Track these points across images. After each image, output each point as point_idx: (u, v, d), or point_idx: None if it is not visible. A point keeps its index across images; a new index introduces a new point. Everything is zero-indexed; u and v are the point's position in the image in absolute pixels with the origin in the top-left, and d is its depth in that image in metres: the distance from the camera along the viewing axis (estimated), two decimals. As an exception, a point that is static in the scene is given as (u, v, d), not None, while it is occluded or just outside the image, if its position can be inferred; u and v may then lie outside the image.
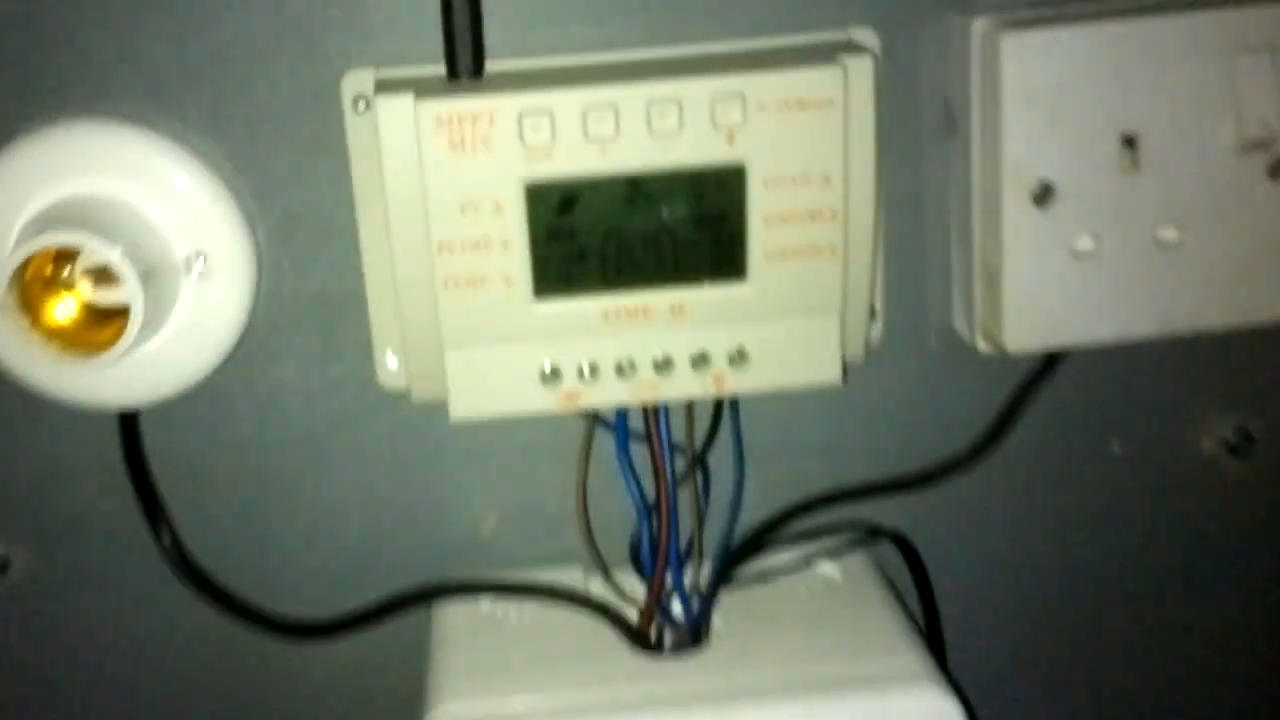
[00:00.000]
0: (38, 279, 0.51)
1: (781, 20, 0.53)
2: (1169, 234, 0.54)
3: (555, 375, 0.52)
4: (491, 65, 0.51)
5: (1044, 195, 0.53)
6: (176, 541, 0.56)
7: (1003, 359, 0.57)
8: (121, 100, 0.52)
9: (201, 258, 0.52)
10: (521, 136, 0.48)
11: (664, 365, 0.52)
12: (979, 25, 0.53)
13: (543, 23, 0.52)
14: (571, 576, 0.59)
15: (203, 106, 0.52)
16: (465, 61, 0.50)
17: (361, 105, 0.52)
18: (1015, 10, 0.53)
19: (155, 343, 0.53)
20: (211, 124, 0.52)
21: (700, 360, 0.52)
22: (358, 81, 0.52)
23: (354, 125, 0.52)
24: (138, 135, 0.52)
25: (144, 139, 0.52)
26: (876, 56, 0.51)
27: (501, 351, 0.51)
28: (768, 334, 0.52)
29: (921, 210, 0.57)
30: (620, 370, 0.52)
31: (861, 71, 0.50)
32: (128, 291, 0.49)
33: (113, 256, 0.48)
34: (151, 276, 0.50)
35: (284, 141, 0.53)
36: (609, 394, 0.52)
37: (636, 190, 0.50)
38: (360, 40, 0.52)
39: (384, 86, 0.50)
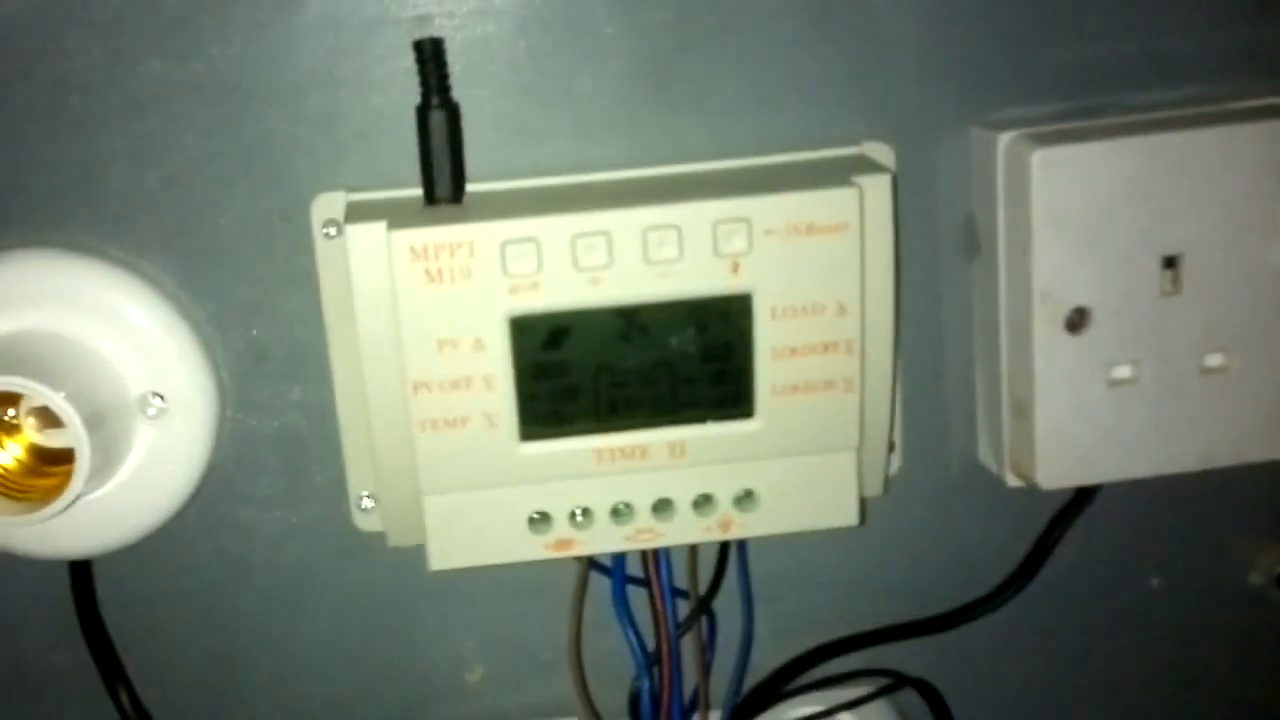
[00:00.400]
0: (-22, 421, 0.46)
1: (789, 135, 0.49)
2: (1213, 360, 0.50)
3: (544, 521, 0.47)
4: (473, 188, 0.47)
5: (1078, 321, 0.49)
6: (135, 701, 0.51)
7: (1030, 492, 0.53)
8: (72, 227, 0.48)
9: (158, 397, 0.48)
10: (505, 267, 0.44)
11: (663, 508, 0.48)
12: (1005, 139, 0.48)
13: (528, 140, 0.48)
14: (565, 730, 0.54)
15: (160, 233, 0.48)
16: (444, 186, 0.46)
17: (332, 231, 0.48)
18: (1039, 124, 0.49)
19: (109, 487, 0.48)
20: (169, 252, 0.48)
21: (703, 503, 0.48)
22: (328, 205, 0.48)
23: (324, 252, 0.48)
24: (89, 265, 0.47)
25: (95, 269, 0.47)
26: (893, 174, 0.47)
27: (485, 497, 0.47)
28: (778, 474, 0.48)
29: (941, 335, 0.52)
30: (615, 514, 0.48)
31: (878, 191, 0.46)
32: (72, 436, 0.44)
33: (55, 400, 0.44)
34: (102, 419, 0.46)
35: (249, 270, 0.49)
36: (603, 540, 0.48)
37: (632, 323, 0.45)
38: (331, 162, 0.48)
39: (356, 212, 0.46)
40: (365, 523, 0.51)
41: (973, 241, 0.51)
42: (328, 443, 0.50)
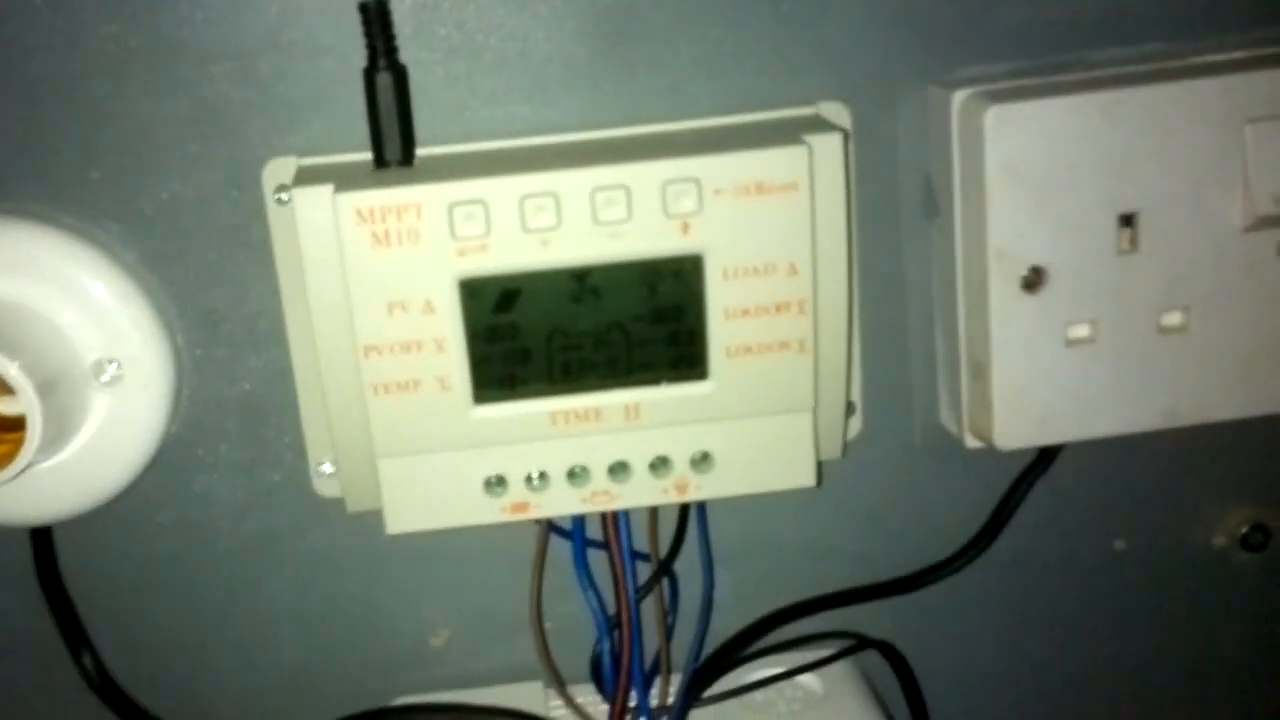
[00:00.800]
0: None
1: (743, 97, 0.49)
2: (1172, 319, 0.50)
3: (500, 484, 0.47)
4: (423, 151, 0.47)
5: (1034, 280, 0.48)
6: (99, 665, 0.52)
7: (991, 454, 0.53)
8: (22, 194, 0.47)
9: (113, 364, 0.48)
10: (453, 229, 0.44)
11: (619, 471, 0.48)
12: (960, 97, 0.48)
13: (479, 103, 0.48)
14: (529, 693, 0.54)
15: (112, 199, 0.48)
16: (393, 149, 0.46)
17: (285, 196, 0.47)
18: (999, 81, 0.48)
19: (66, 454, 0.48)
20: (121, 218, 0.48)
21: (660, 465, 0.48)
22: (280, 171, 0.48)
23: (277, 217, 0.48)
24: (40, 231, 0.47)
25: (46, 235, 0.47)
26: (848, 133, 0.46)
27: (440, 460, 0.47)
28: (733, 436, 0.48)
29: (903, 296, 0.52)
30: (572, 477, 0.48)
31: (830, 150, 0.45)
32: (24, 403, 0.44)
33: (8, 369, 0.44)
34: (54, 385, 0.46)
35: (200, 235, 0.49)
36: (560, 503, 0.48)
37: (583, 284, 0.45)
38: (283, 127, 0.47)
39: (305, 176, 0.46)
40: (325, 488, 0.51)
41: (932, 202, 0.51)
42: (286, 409, 0.50)
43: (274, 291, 0.49)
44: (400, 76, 0.45)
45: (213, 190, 0.48)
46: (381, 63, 0.45)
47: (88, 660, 0.51)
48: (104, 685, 0.52)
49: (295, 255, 0.46)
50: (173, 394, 0.49)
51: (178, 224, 0.48)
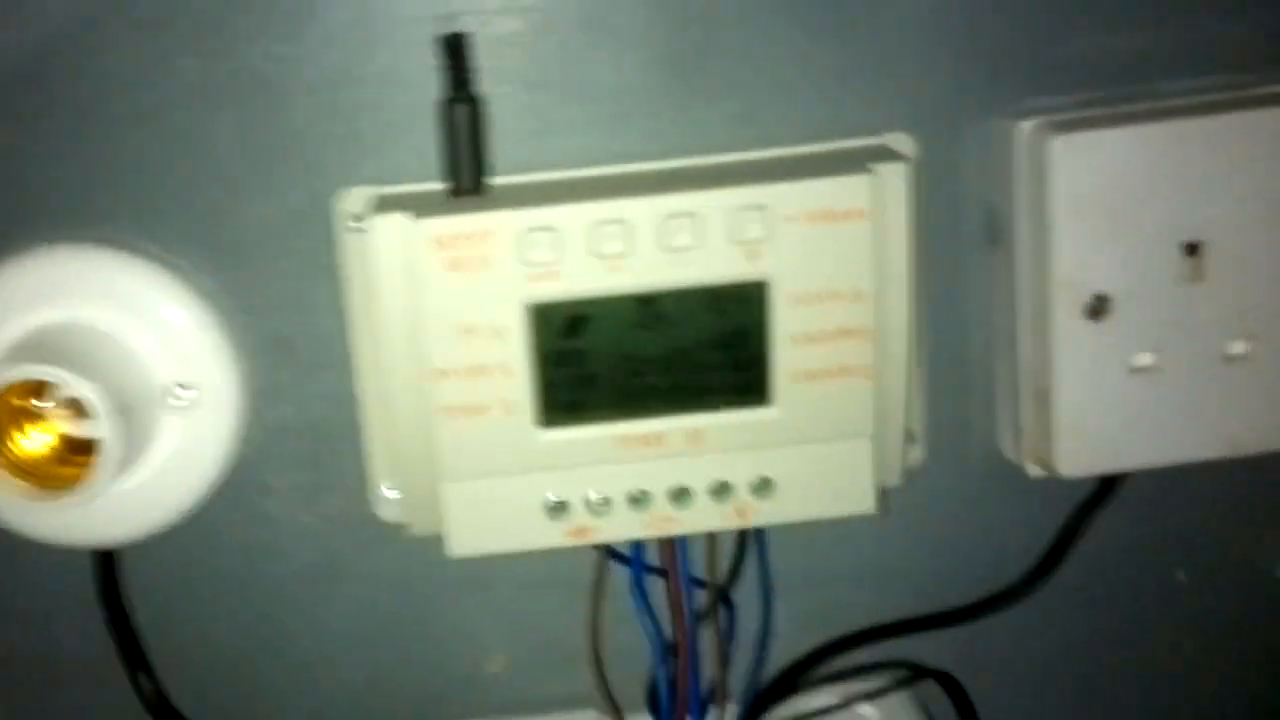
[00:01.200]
0: (7, 409, 0.47)
1: (809, 127, 0.49)
2: (1236, 347, 0.49)
3: (562, 508, 0.48)
4: (496, 181, 0.47)
5: (1099, 308, 0.48)
6: (159, 690, 0.52)
7: (1053, 483, 0.53)
8: (104, 222, 0.48)
9: (187, 389, 0.49)
10: (524, 256, 0.44)
11: (681, 496, 0.48)
12: (1026, 128, 0.48)
13: (551, 134, 0.48)
14: (586, 721, 0.54)
15: (191, 228, 0.49)
16: (467, 178, 0.46)
17: (357, 225, 0.48)
18: (1064, 112, 0.49)
19: (135, 478, 0.49)
20: (199, 246, 0.49)
21: (721, 490, 0.48)
22: (353, 200, 0.48)
23: (349, 246, 0.48)
24: (119, 259, 0.48)
25: (125, 262, 0.48)
26: (912, 163, 0.47)
27: (504, 484, 0.47)
28: (795, 461, 0.48)
29: (964, 326, 0.52)
30: (633, 502, 0.48)
31: (895, 179, 0.46)
32: (100, 426, 0.45)
33: (84, 390, 0.44)
34: (129, 409, 0.46)
35: (275, 263, 0.49)
36: (621, 528, 0.48)
37: (650, 310, 0.45)
38: (357, 157, 0.48)
39: (381, 205, 0.46)
40: (388, 513, 0.52)
41: (995, 232, 0.51)
42: (351, 434, 0.51)
43: (342, 318, 0.49)
44: (475, 107, 0.46)
45: (288, 220, 0.49)
46: (457, 93, 0.46)
47: (145, 683, 0.52)
48: (162, 709, 0.52)
49: (365, 282, 0.47)
50: (241, 419, 0.50)
51: (253, 253, 0.49)
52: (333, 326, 0.50)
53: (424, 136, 0.48)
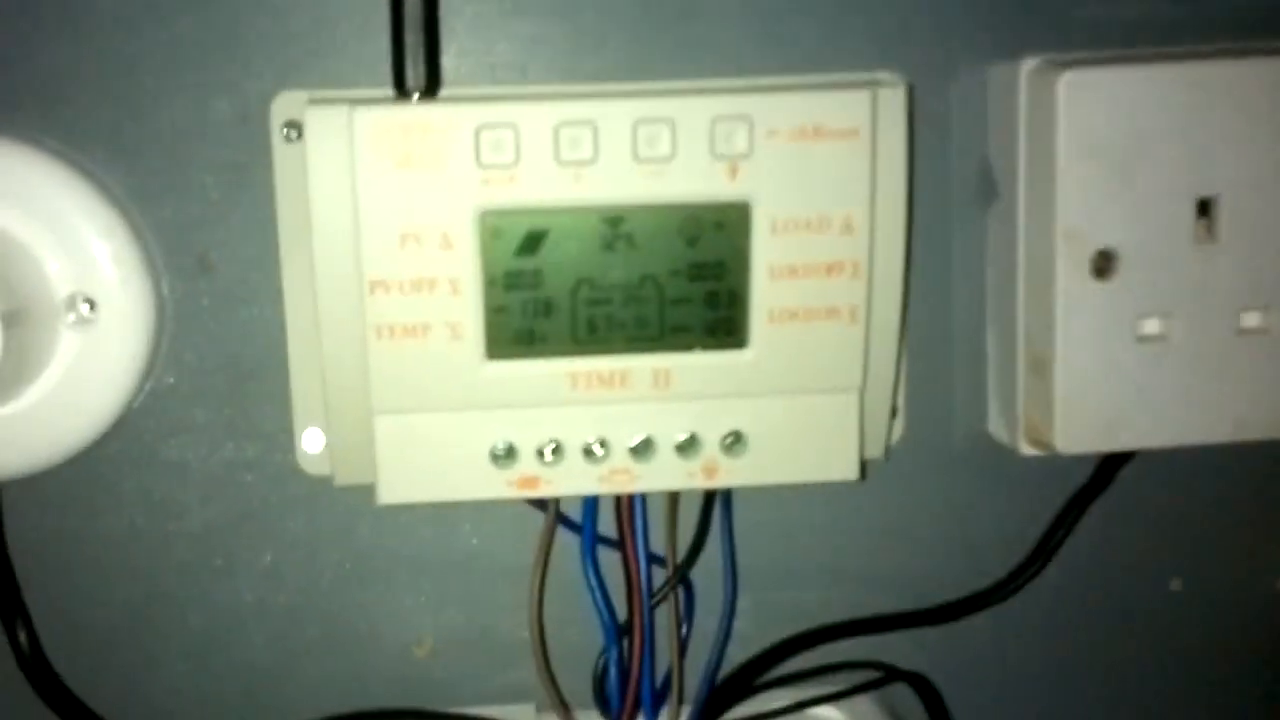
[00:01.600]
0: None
1: (794, 58, 0.45)
2: (1250, 320, 0.45)
3: (509, 455, 0.42)
4: (449, 91, 0.43)
5: (1105, 265, 0.44)
6: (35, 644, 0.46)
7: (1044, 470, 0.49)
8: (6, 112, 0.43)
9: (87, 303, 0.43)
10: (479, 156, 0.40)
11: (642, 449, 0.43)
12: (1029, 66, 0.45)
13: (514, 45, 0.44)
14: (520, 715, 0.48)
15: (104, 126, 0.44)
16: (416, 76, 0.42)
17: (293, 134, 0.43)
18: (1072, 53, 0.45)
19: (23, 401, 0.43)
20: (112, 148, 0.44)
21: (688, 444, 0.43)
22: (290, 105, 0.43)
23: (283, 157, 0.43)
24: (18, 152, 0.43)
25: (26, 156, 0.43)
26: (909, 84, 0.43)
27: (444, 422, 0.42)
28: (771, 415, 0.43)
29: (950, 294, 0.48)
30: (588, 454, 0.43)
31: (893, 103, 0.42)
32: (-19, 323, 0.39)
33: (-34, 283, 0.39)
34: (20, 316, 0.41)
35: (199, 174, 0.44)
36: (575, 480, 0.43)
37: (615, 230, 0.41)
38: (298, 60, 0.44)
39: (320, 106, 0.41)
40: (310, 465, 0.46)
41: (988, 188, 0.47)
42: (273, 372, 0.46)
43: (271, 241, 0.44)
44: (431, -2, 0.41)
45: (214, 124, 0.44)
46: (411, -22, 0.41)
47: (22, 636, 0.45)
48: (36, 666, 0.46)
49: (300, 200, 0.42)
50: (150, 344, 0.45)
51: (173, 158, 0.44)
52: (260, 249, 0.45)
53: (372, 39, 0.43)
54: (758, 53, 0.45)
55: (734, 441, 0.43)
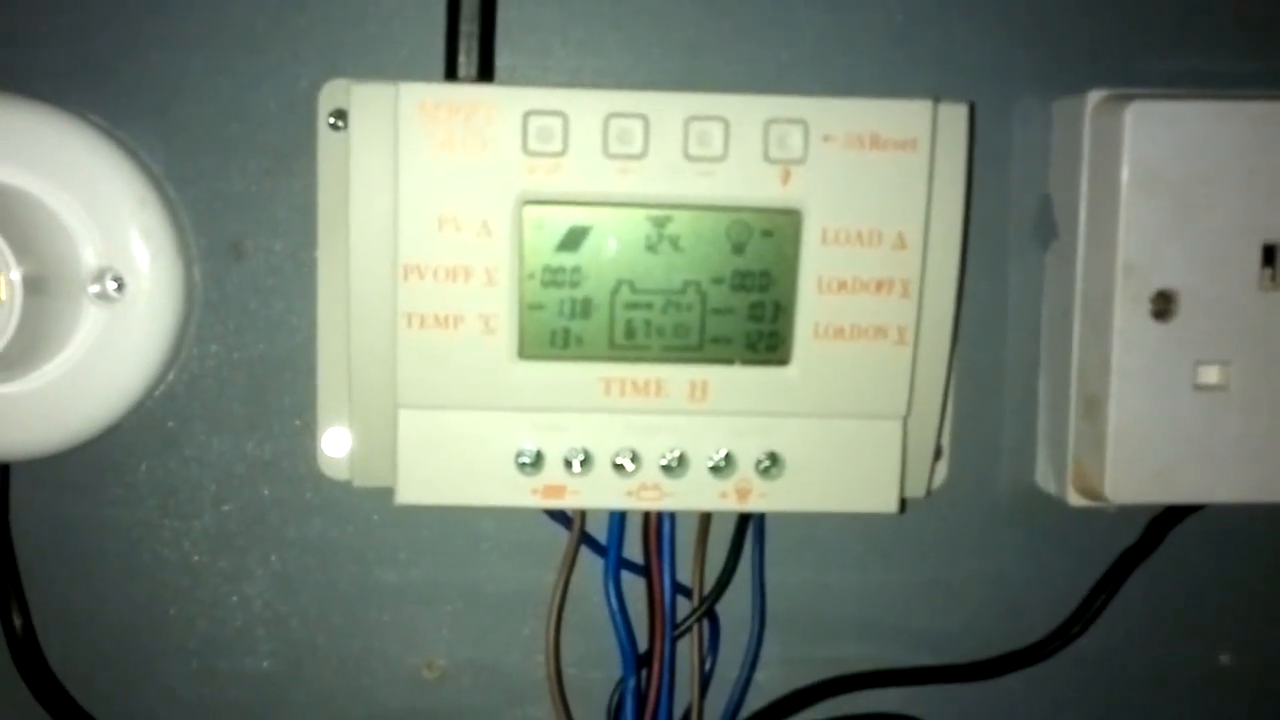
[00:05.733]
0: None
1: (852, 81, 0.45)
2: (1314, 375, 0.43)
3: (536, 462, 0.41)
4: (501, 88, 0.42)
5: (1165, 307, 0.43)
6: (30, 632, 0.44)
7: (1092, 526, 0.47)
8: (54, 84, 0.43)
9: (115, 281, 0.42)
10: (526, 142, 0.38)
11: (675, 465, 0.41)
12: (1094, 98, 0.43)
13: (571, 49, 0.43)
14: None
15: (148, 104, 0.43)
16: (469, 65, 0.41)
17: (340, 124, 0.42)
18: (1138, 88, 0.44)
19: (41, 376, 0.42)
20: (154, 126, 0.43)
21: (723, 464, 0.41)
22: (338, 94, 0.43)
23: (327, 145, 0.43)
24: (64, 124, 0.42)
25: (71, 129, 0.42)
26: (971, 105, 0.41)
27: (470, 421, 0.40)
28: (810, 437, 0.41)
29: (1003, 335, 0.46)
30: (618, 466, 0.41)
31: (954, 118, 0.40)
32: (4, 284, 0.38)
33: (-7, 242, 0.38)
34: (44, 283, 0.40)
35: (240, 158, 0.44)
36: (601, 493, 0.41)
37: (661, 231, 0.39)
38: (351, 49, 0.43)
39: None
40: (331, 469, 0.45)
41: (1048, 226, 0.46)
42: (299, 367, 0.44)
43: (308, 233, 0.43)
44: (487, -13, 0.41)
45: (261, 110, 0.43)
46: (468, -32, 0.41)
47: (17, 621, 0.44)
48: (29, 656, 0.44)
49: (342, 192, 0.41)
50: (176, 330, 0.43)
51: (216, 142, 0.44)
52: (296, 240, 0.44)
53: (426, 32, 0.42)
54: (815, 82, 0.44)
55: (770, 464, 0.41)
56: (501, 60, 0.43)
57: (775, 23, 0.44)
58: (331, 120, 0.43)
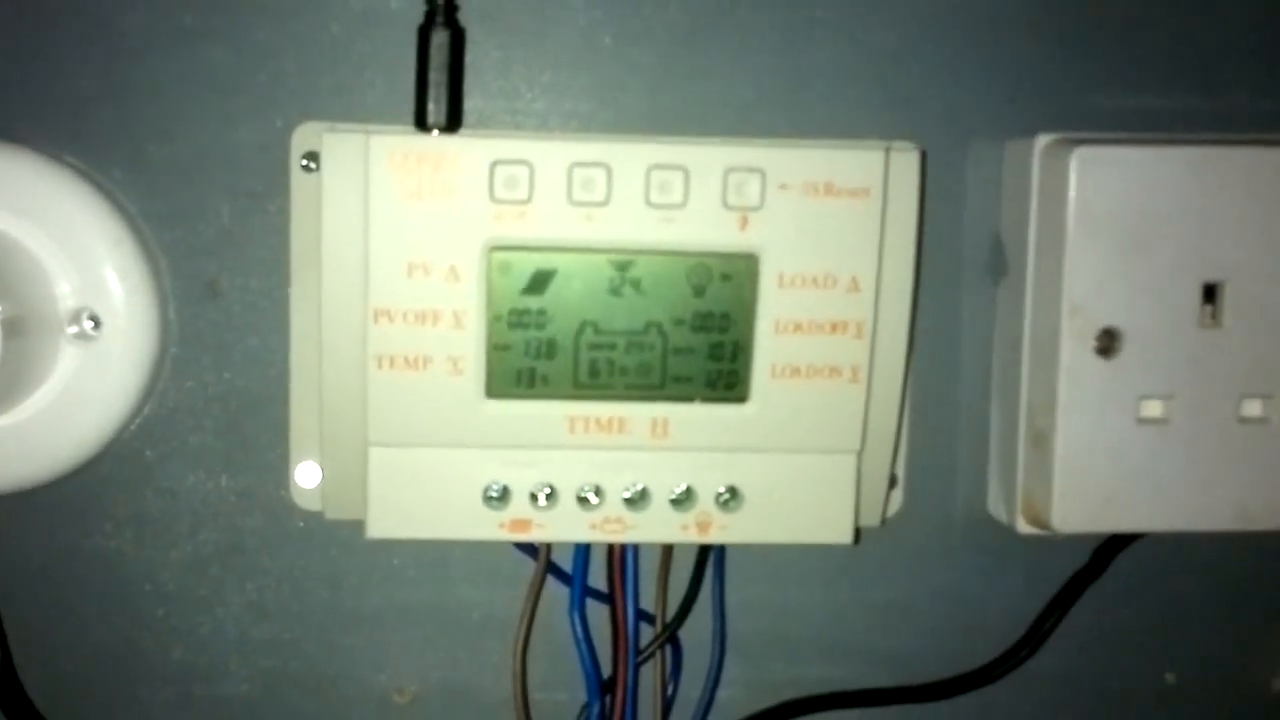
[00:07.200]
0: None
1: (808, 124, 0.46)
2: (1252, 408, 0.45)
3: (503, 497, 0.42)
4: (469, 133, 0.43)
5: (1108, 345, 0.44)
6: (8, 661, 0.45)
7: (1042, 551, 0.48)
8: (28, 125, 0.44)
9: (91, 320, 0.43)
10: (492, 190, 0.40)
11: (638, 499, 0.42)
12: (1043, 141, 0.45)
13: (536, 93, 0.45)
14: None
15: (123, 145, 0.44)
16: (438, 112, 0.42)
17: (312, 165, 0.44)
18: (1087, 132, 0.45)
19: (18, 413, 0.43)
20: (130, 167, 0.44)
21: (683, 497, 0.43)
22: (310, 136, 0.44)
23: (300, 187, 0.44)
24: (41, 166, 0.43)
25: (47, 171, 0.43)
26: (922, 151, 0.43)
27: (438, 458, 0.42)
28: (768, 471, 0.43)
29: (956, 367, 0.48)
30: (583, 500, 0.42)
31: (906, 165, 0.42)
32: (-17, 327, 0.39)
33: (-26, 286, 0.39)
34: (21, 325, 0.41)
35: (214, 199, 0.45)
36: (566, 527, 0.43)
37: (623, 274, 0.41)
38: (323, 93, 0.44)
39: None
40: (304, 500, 0.46)
41: (999, 263, 0.47)
42: (272, 403, 0.46)
43: (281, 272, 0.44)
44: (457, 38, 0.42)
45: (234, 152, 0.44)
46: (439, 19, 0.42)
47: (-5, 656, 0.45)
48: (9, 692, 0.45)
49: (314, 232, 0.42)
50: (152, 366, 0.44)
51: (191, 183, 0.44)
52: (270, 279, 0.45)
53: (397, 77, 0.44)
54: (773, 127, 0.46)
55: (730, 497, 0.43)
56: (471, 104, 0.44)
57: (735, 65, 0.45)
58: (304, 162, 0.44)
